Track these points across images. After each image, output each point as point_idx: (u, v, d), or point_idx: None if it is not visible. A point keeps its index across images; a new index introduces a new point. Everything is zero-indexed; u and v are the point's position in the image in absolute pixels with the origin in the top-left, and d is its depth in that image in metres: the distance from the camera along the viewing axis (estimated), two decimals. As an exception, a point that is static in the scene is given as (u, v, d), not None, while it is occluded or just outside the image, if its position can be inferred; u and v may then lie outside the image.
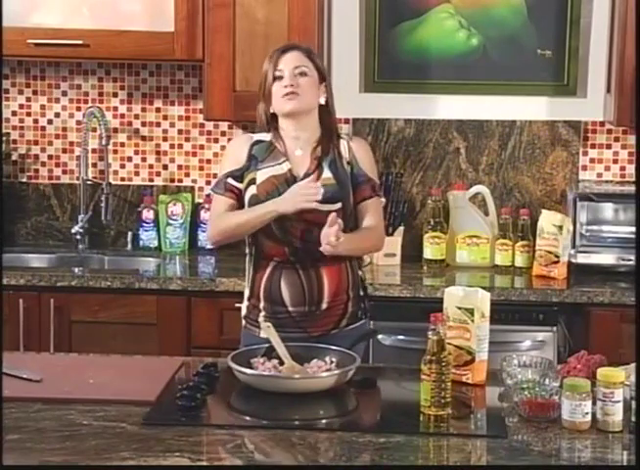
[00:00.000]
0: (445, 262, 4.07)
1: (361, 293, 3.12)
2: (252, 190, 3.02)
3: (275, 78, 3.02)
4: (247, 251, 3.12)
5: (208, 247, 4.11)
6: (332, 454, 2.22)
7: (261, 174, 3.03)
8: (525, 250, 3.98)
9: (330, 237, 2.84)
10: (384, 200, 3.19)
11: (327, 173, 3.03)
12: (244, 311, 3.14)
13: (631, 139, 4.19)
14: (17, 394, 2.48)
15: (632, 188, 3.91)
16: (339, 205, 3.00)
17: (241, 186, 3.05)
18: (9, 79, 4.36)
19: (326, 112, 3.11)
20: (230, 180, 3.05)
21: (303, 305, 3.02)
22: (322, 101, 3.09)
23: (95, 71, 4.34)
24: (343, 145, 3.09)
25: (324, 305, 3.03)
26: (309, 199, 2.90)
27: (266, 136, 3.09)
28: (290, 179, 3.00)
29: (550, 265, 3.86)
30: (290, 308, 3.02)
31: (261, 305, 3.06)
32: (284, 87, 3.00)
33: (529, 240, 3.98)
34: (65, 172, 4.41)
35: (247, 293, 3.12)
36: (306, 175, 3.03)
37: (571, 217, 3.89)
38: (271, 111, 3.06)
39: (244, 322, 3.14)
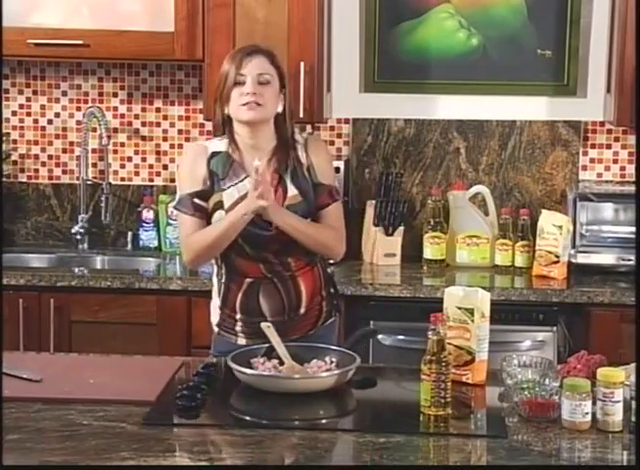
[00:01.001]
0: (445, 262, 4.07)
1: (332, 290, 3.11)
2: (222, 214, 2.93)
3: (236, 83, 2.90)
4: (214, 262, 3.04)
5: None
6: (332, 454, 2.22)
7: (228, 196, 2.93)
8: (525, 250, 3.97)
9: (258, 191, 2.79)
10: (341, 201, 3.07)
11: (292, 190, 2.94)
12: (216, 319, 3.08)
13: (631, 139, 4.19)
14: (17, 394, 2.47)
15: (632, 188, 3.91)
16: (308, 220, 2.96)
17: (207, 205, 2.95)
18: (9, 79, 4.36)
19: (282, 120, 2.98)
20: (197, 200, 2.95)
21: (283, 315, 2.99)
22: (279, 109, 2.97)
23: (95, 71, 4.34)
24: (301, 151, 3.00)
25: (302, 310, 3.01)
26: (264, 198, 2.80)
27: (221, 145, 2.98)
28: None
29: (550, 265, 3.85)
30: (269, 319, 2.96)
31: (238, 316, 3.02)
32: (245, 95, 2.88)
33: (529, 240, 3.98)
34: (65, 172, 4.41)
35: (217, 302, 3.06)
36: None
37: (571, 217, 3.89)
38: (226, 112, 2.95)
39: (216, 329, 3.09)
